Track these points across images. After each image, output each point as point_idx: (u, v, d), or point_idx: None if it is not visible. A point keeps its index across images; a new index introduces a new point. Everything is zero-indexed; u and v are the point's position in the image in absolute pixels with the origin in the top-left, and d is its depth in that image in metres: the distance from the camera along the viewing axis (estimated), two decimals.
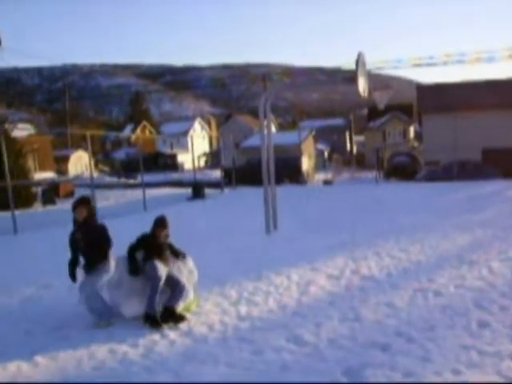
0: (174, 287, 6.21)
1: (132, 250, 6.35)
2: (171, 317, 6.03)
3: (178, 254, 6.61)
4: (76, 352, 5.32)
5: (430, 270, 8.06)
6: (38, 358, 5.19)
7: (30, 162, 30.60)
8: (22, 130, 35.29)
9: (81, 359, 5.14)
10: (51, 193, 25.05)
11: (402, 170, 32.22)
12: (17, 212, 14.19)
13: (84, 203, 6.20)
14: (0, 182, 16.43)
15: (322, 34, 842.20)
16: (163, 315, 6.01)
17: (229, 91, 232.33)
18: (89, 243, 6.05)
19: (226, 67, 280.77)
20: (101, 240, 6.11)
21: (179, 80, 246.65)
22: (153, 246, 6.37)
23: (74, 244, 6.11)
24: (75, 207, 6.14)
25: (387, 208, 16.20)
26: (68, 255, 6.13)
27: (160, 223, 6.46)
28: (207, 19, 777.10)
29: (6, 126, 23.19)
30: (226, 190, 26.68)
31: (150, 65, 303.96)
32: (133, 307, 6.13)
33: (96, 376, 4.75)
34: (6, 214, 15.07)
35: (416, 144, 51.31)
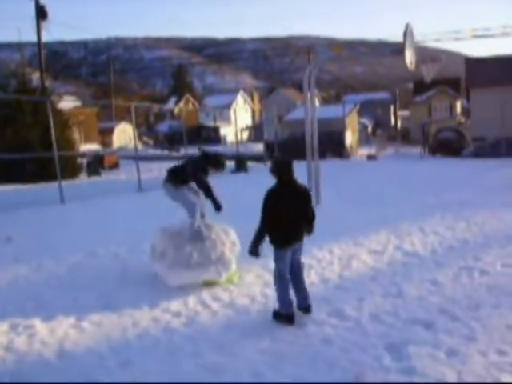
0: None
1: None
2: None
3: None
4: (120, 319, 5.43)
5: (476, 248, 7.89)
6: (85, 324, 5.32)
7: (76, 134, 31.12)
8: (67, 102, 35.86)
9: (125, 327, 5.25)
10: (96, 164, 25.51)
11: (448, 145, 31.58)
12: (63, 182, 14.47)
13: None
14: (47, 152, 16.80)
15: (365, 6, 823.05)
16: None
17: (271, 64, 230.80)
18: None
19: (268, 40, 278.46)
20: None
21: (222, 53, 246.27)
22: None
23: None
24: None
25: (432, 184, 15.89)
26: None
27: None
28: None
29: (53, 97, 23.51)
30: (269, 164, 26.57)
31: (192, 37, 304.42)
32: (177, 277, 6.20)
33: (140, 344, 4.85)
34: (54, 185, 15.42)
35: (463, 119, 50.12)
